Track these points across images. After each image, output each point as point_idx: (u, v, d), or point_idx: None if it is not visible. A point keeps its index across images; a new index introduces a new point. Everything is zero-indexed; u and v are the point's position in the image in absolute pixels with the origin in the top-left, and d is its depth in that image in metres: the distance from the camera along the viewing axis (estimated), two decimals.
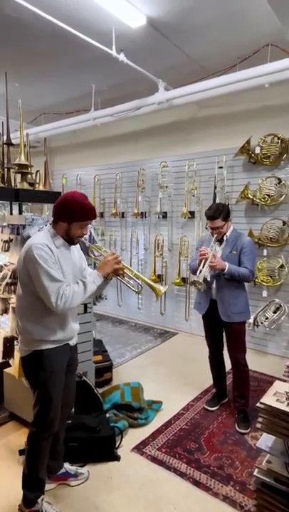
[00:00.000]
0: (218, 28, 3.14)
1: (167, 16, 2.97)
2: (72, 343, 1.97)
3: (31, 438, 1.89)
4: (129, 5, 2.82)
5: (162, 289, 2.04)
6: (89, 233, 3.27)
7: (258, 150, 3.89)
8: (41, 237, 1.79)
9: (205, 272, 2.47)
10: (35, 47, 3.51)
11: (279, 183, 3.82)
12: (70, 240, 1.86)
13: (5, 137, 3.38)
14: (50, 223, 1.87)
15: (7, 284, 2.71)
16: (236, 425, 2.68)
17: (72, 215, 1.78)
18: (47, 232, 1.83)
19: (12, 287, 2.65)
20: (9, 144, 3.37)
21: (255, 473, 1.61)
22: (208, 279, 2.61)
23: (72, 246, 1.92)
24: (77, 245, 2.00)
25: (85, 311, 2.88)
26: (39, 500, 1.88)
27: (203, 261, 2.50)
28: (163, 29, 3.18)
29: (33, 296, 1.77)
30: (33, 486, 1.89)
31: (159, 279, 4.89)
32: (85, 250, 2.12)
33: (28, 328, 1.80)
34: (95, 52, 3.28)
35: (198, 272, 2.50)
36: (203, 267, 2.48)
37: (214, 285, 2.68)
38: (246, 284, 2.76)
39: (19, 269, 1.82)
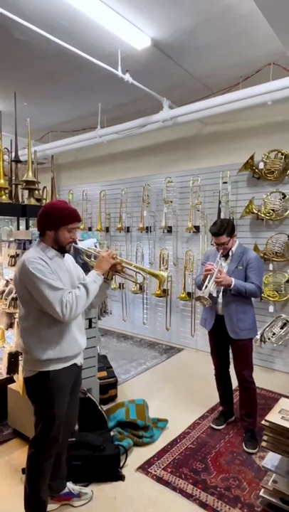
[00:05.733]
0: (221, 48, 3.23)
1: (171, 37, 3.07)
2: (79, 362, 1.93)
3: (32, 459, 1.84)
4: (134, 28, 2.92)
5: (164, 274, 2.14)
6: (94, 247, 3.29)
7: (261, 166, 3.93)
8: (33, 252, 1.76)
9: (210, 288, 2.44)
10: (43, 68, 3.64)
11: (283, 198, 3.84)
12: (62, 248, 1.83)
13: (13, 154, 3.47)
14: (38, 238, 1.85)
15: (13, 298, 2.73)
16: (243, 445, 2.62)
17: (56, 220, 1.77)
18: (37, 247, 1.81)
19: (18, 302, 2.65)
20: (17, 161, 3.46)
21: (261, 494, 1.57)
22: (214, 295, 2.59)
23: (66, 256, 1.90)
24: (71, 258, 1.97)
25: (90, 326, 2.87)
26: None
27: (209, 276, 2.49)
28: (167, 50, 3.27)
29: (38, 313, 1.73)
30: (35, 507, 1.85)
31: (165, 293, 4.88)
32: (83, 264, 2.08)
33: (33, 347, 1.74)
34: (102, 72, 3.38)
35: (203, 287, 2.48)
36: (208, 282, 2.46)
37: (220, 300, 2.65)
38: (253, 299, 2.74)
39: (17, 288, 1.78)
